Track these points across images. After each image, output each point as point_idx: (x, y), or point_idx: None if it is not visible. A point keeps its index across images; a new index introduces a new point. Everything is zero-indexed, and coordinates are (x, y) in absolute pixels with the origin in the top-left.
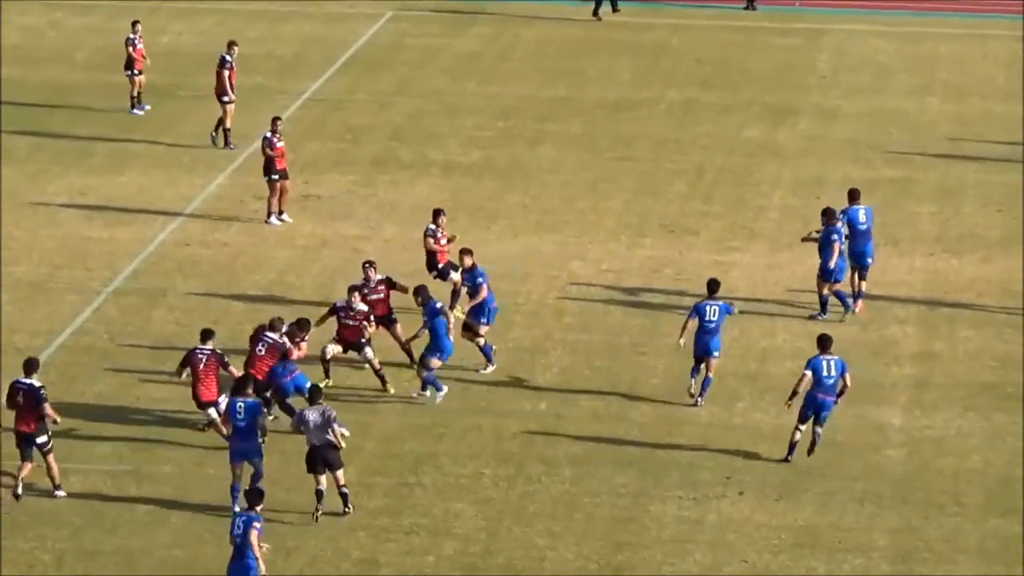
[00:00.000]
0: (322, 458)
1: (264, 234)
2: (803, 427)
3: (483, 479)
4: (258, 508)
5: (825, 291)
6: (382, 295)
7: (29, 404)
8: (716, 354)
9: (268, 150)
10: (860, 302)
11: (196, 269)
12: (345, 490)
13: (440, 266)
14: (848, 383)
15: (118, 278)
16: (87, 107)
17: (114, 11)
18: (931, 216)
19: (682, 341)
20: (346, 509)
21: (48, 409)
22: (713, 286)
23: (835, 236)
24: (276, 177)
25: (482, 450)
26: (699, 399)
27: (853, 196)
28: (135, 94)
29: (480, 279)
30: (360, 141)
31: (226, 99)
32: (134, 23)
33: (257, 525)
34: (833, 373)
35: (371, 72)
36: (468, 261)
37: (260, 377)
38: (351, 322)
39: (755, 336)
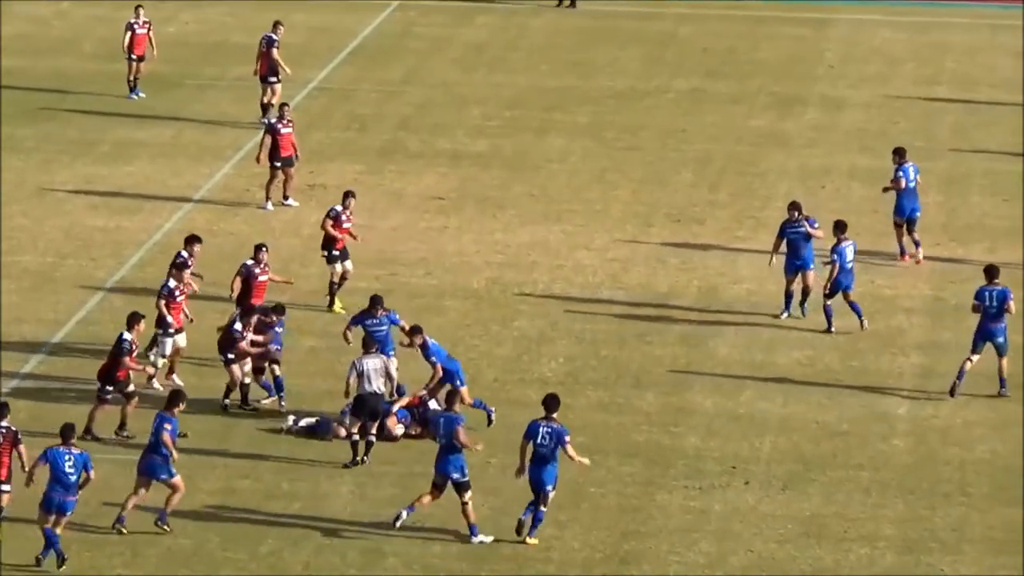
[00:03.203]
0: (371, 408)
1: (270, 223)
2: (975, 357)
3: (490, 468)
4: (555, 414)
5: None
6: (266, 280)
7: (113, 355)
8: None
9: (268, 136)
10: (920, 252)
11: (202, 258)
12: (373, 439)
13: (335, 251)
14: (1011, 310)
15: (124, 268)
16: (94, 97)
17: (121, 1)
18: (938, 206)
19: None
20: (366, 458)
21: (129, 362)
22: (841, 226)
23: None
24: (278, 164)
25: (489, 440)
26: (864, 324)
27: (902, 154)
28: (130, 79)
29: (433, 358)
30: (367, 130)
31: (274, 79)
32: (136, 7)
33: (567, 438)
34: (995, 303)
35: (378, 61)
36: (420, 339)
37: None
38: (264, 277)
39: (761, 325)
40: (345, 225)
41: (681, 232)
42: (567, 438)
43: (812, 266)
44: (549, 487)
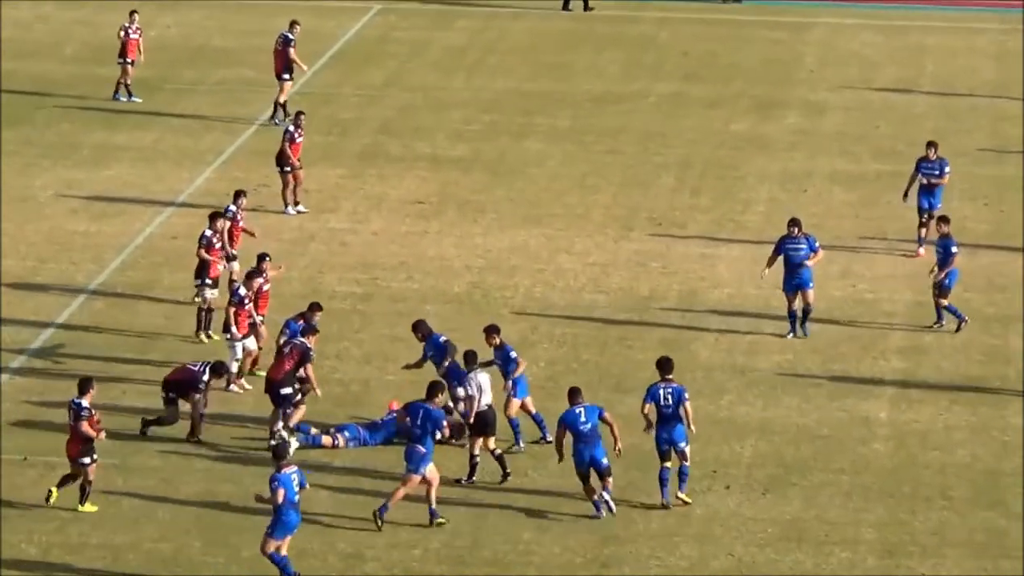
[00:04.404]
0: (488, 421)
1: (252, 227)
2: None
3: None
4: (670, 375)
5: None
6: (268, 288)
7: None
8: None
9: (286, 143)
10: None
11: (183, 262)
12: (499, 451)
13: (233, 251)
14: None
15: (105, 272)
16: (75, 101)
17: (103, 5)
18: (918, 209)
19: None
20: (508, 471)
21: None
22: (947, 219)
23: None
24: (288, 169)
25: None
26: (941, 325)
27: (936, 146)
28: (126, 82)
29: (513, 353)
30: (348, 135)
31: (287, 76)
32: (131, 12)
33: (687, 395)
34: None
35: (358, 66)
36: (497, 340)
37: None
38: (267, 286)
39: (742, 329)
40: (241, 224)
41: (662, 236)
42: (686, 395)
43: (811, 285)
44: (683, 443)
